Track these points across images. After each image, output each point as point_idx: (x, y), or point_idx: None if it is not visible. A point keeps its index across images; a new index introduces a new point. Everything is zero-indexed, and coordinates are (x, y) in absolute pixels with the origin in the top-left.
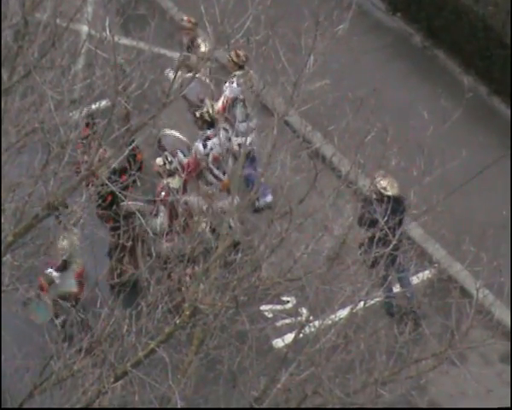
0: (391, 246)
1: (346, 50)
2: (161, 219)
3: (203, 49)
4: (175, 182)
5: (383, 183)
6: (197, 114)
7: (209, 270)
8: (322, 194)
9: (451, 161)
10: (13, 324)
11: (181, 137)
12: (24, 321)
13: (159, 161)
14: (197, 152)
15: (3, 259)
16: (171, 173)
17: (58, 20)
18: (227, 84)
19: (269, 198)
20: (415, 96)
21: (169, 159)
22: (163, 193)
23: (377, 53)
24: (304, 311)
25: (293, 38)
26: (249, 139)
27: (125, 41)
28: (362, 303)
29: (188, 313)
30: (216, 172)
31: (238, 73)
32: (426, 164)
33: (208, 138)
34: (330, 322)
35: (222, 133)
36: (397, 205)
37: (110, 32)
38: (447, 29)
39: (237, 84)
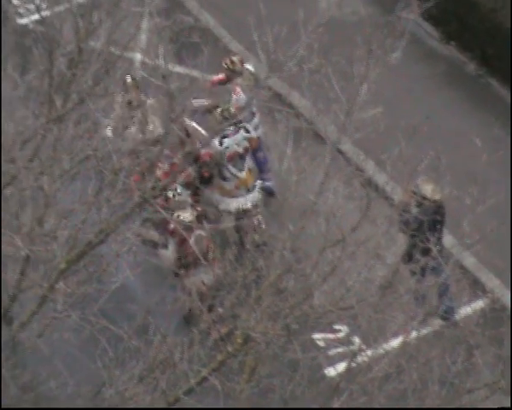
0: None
1: (399, 78)
2: (169, 253)
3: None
4: (186, 215)
5: (427, 187)
6: (218, 111)
7: (261, 297)
8: (374, 222)
9: (504, 190)
10: (65, 350)
11: (200, 129)
12: (76, 348)
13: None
14: (213, 148)
15: (56, 286)
16: (181, 206)
17: (112, 48)
18: (234, 96)
19: (269, 183)
20: (468, 124)
21: (178, 190)
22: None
23: (430, 81)
24: (356, 340)
25: (346, 66)
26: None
27: (178, 69)
28: (414, 332)
29: (240, 340)
30: (232, 169)
31: (239, 80)
32: (479, 192)
33: (225, 136)
34: (383, 351)
35: (241, 132)
36: (440, 211)
37: (163, 59)
38: (500, 57)
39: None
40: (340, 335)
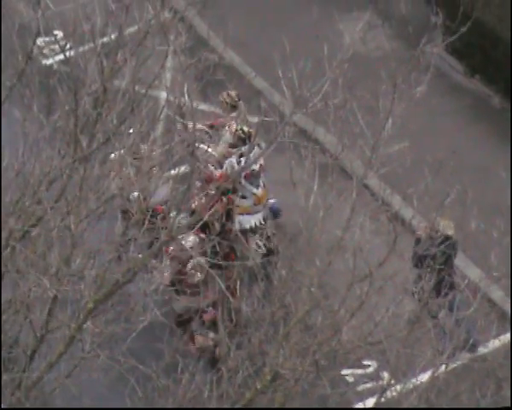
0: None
1: (424, 112)
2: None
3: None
4: (190, 240)
5: (442, 223)
6: (233, 130)
7: (289, 334)
8: (401, 256)
9: None
10: (94, 390)
11: (212, 152)
12: (105, 387)
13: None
14: (230, 168)
15: (84, 326)
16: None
17: (137, 87)
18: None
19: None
20: (493, 158)
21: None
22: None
23: (456, 115)
24: (385, 375)
25: (371, 101)
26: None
27: (203, 106)
28: (443, 367)
29: (269, 377)
30: (250, 187)
31: (233, 114)
32: (505, 225)
33: (242, 155)
34: (412, 386)
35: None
36: (451, 246)
37: (188, 97)
38: None
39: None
40: (369, 370)
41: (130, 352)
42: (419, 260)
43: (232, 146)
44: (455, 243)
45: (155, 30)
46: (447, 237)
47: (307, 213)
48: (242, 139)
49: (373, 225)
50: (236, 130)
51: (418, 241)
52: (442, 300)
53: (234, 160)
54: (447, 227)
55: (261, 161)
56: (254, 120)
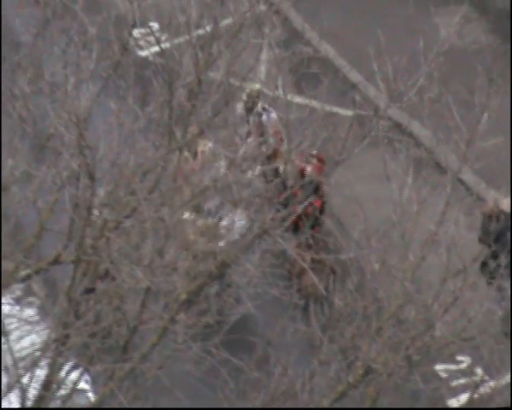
0: None
1: None
2: None
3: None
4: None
5: (504, 201)
6: None
7: (382, 328)
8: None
9: None
10: (186, 382)
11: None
12: (197, 379)
13: None
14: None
15: (177, 317)
16: None
17: (231, 79)
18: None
19: None
20: None
21: None
22: None
23: None
24: (479, 371)
25: (467, 95)
26: None
27: (297, 99)
28: None
29: (361, 371)
30: None
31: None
32: None
33: None
34: (505, 382)
35: None
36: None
37: (283, 90)
38: None
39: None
40: (463, 366)
41: (223, 344)
42: (485, 237)
43: None
44: None
45: (250, 22)
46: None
47: (401, 206)
48: None
49: (467, 219)
50: None
51: (485, 219)
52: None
53: None
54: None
55: None
56: (349, 113)
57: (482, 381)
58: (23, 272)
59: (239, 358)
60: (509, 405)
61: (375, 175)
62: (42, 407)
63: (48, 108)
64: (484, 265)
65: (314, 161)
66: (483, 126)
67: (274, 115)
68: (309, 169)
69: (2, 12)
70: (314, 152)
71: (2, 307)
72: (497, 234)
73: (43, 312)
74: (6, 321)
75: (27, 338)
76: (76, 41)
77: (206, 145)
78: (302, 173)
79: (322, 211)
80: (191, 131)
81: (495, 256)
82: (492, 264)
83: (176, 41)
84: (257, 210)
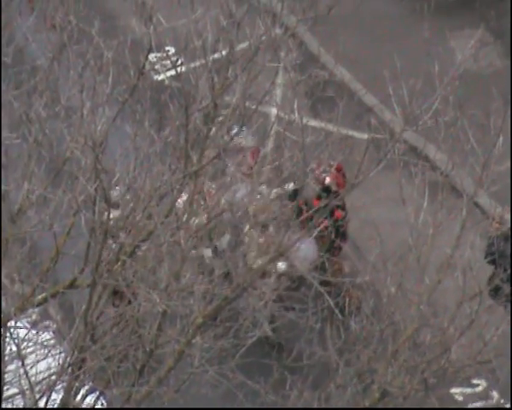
0: None
1: None
2: None
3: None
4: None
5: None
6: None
7: (398, 352)
8: None
9: None
10: (202, 405)
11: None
12: (213, 403)
13: None
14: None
15: (193, 341)
16: None
17: (247, 103)
18: None
19: None
20: None
21: None
22: None
23: None
24: (495, 394)
25: (482, 118)
26: None
27: (313, 123)
28: None
29: (377, 395)
30: None
31: None
32: None
33: None
34: (490, 407)
35: None
36: None
37: (299, 114)
38: None
39: None
40: (479, 389)
41: (239, 368)
42: (491, 255)
43: None
44: None
45: (266, 46)
46: None
47: (417, 230)
48: None
49: (483, 243)
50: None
51: (491, 237)
52: None
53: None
54: None
55: None
56: (364, 136)
57: (498, 404)
58: (39, 296)
59: (255, 381)
60: None
61: (390, 198)
62: None
63: (64, 132)
64: (497, 289)
65: (333, 170)
66: (498, 150)
67: None
68: (328, 179)
69: (19, 36)
70: (333, 162)
71: (19, 331)
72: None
73: (59, 336)
74: (22, 345)
75: (43, 362)
76: (92, 65)
77: None
78: (321, 184)
79: (342, 225)
80: (207, 155)
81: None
82: (507, 288)
83: (192, 65)
84: (274, 232)
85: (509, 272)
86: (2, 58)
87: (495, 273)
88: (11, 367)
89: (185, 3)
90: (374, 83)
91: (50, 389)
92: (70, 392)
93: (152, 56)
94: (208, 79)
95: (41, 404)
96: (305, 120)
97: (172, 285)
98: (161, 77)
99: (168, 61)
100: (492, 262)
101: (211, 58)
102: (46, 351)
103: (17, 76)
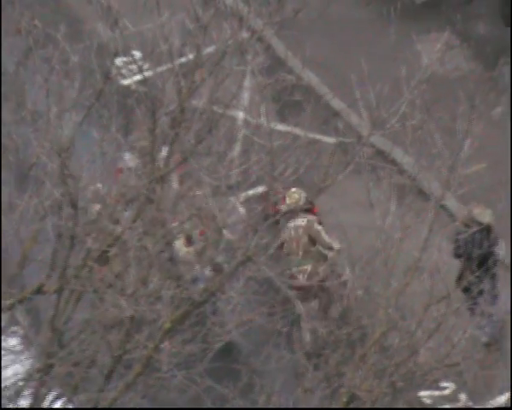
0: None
1: (502, 133)
2: None
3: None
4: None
5: (476, 210)
6: None
7: (366, 355)
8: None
9: None
10: None
11: None
12: (182, 408)
13: None
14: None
15: (161, 346)
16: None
17: (214, 107)
18: None
19: None
20: None
21: None
22: None
23: None
24: (463, 396)
25: (449, 122)
26: None
27: (280, 127)
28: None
29: (345, 399)
30: None
31: None
32: None
33: None
34: (490, 407)
35: None
36: (487, 234)
37: (266, 118)
38: None
39: None
40: (447, 392)
41: (207, 372)
42: (458, 250)
43: None
44: (489, 230)
45: (233, 50)
46: (482, 225)
47: (384, 233)
48: None
49: (450, 245)
50: None
51: (457, 231)
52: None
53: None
54: (482, 215)
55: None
56: (332, 140)
57: (466, 407)
58: (6, 302)
59: (223, 386)
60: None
61: (358, 202)
62: None
63: (30, 137)
64: (467, 290)
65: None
66: (465, 153)
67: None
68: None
69: None
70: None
71: None
72: (467, 243)
73: (26, 341)
74: None
75: (11, 368)
76: (58, 70)
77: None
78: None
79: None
80: (174, 160)
81: (472, 272)
82: (475, 289)
83: (158, 69)
84: (241, 237)
85: (475, 264)
86: None
87: (463, 271)
88: None
89: (151, 8)
90: (341, 87)
91: (18, 395)
92: (37, 398)
93: (118, 61)
94: (175, 83)
95: None
96: (272, 124)
97: (140, 290)
98: (128, 81)
99: (135, 66)
100: (458, 256)
101: (177, 62)
102: (13, 357)
103: None
